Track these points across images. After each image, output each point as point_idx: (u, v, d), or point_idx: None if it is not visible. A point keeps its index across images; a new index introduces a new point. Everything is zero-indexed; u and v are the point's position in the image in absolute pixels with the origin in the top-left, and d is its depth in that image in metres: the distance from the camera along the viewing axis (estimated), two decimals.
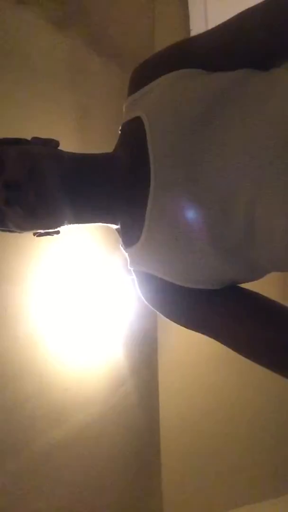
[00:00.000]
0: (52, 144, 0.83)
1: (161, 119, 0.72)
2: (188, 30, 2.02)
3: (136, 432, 1.83)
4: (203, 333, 0.79)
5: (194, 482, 1.97)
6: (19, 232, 0.81)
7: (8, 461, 1.36)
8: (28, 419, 1.41)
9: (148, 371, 1.94)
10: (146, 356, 1.95)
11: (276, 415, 2.09)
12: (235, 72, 0.71)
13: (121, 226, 0.82)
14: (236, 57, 0.72)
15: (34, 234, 0.85)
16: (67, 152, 0.81)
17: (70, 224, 0.80)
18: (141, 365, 1.89)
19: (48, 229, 0.80)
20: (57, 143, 0.84)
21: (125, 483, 1.76)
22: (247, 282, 0.77)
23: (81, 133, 1.69)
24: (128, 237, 0.79)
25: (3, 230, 0.81)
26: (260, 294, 0.78)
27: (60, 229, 0.81)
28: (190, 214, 0.69)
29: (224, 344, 0.77)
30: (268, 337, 0.73)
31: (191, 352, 1.88)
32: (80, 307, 1.63)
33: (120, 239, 0.83)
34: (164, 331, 2.01)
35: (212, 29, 0.76)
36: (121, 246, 0.82)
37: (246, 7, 0.73)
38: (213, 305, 0.76)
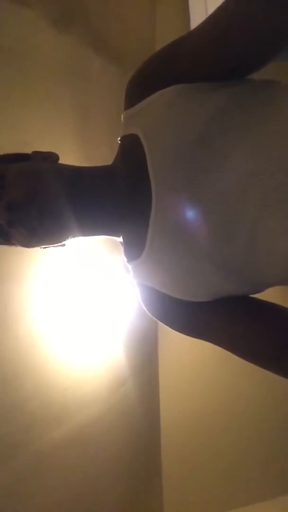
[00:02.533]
0: (52, 158, 0.83)
1: (160, 141, 0.71)
2: (189, 30, 2.02)
3: (137, 432, 1.83)
4: (205, 340, 0.80)
5: (194, 482, 1.97)
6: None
7: (8, 461, 1.35)
8: (28, 419, 1.41)
9: (148, 371, 1.95)
10: (146, 356, 1.96)
11: (276, 415, 2.09)
12: (234, 89, 0.70)
13: (123, 240, 0.82)
14: (222, 63, 0.70)
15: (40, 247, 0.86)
16: (67, 166, 0.81)
17: (74, 237, 0.81)
18: (141, 365, 1.89)
19: (53, 244, 0.81)
20: (56, 157, 0.84)
21: (125, 482, 1.76)
22: (247, 295, 0.79)
23: (81, 133, 1.69)
24: (130, 252, 0.80)
25: (9, 245, 0.81)
26: (255, 298, 0.79)
27: (65, 242, 0.82)
28: (191, 234, 0.70)
29: (226, 349, 0.79)
30: (263, 339, 0.74)
31: (191, 352, 1.89)
32: (81, 307, 1.63)
33: (122, 252, 0.84)
34: (164, 331, 2.01)
35: (194, 32, 0.74)
36: (124, 258, 0.83)
37: None
38: (210, 312, 0.77)
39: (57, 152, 0.86)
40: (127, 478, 1.77)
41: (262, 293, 0.79)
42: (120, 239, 0.83)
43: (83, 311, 1.64)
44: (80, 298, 1.64)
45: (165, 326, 0.83)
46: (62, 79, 1.69)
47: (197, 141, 0.67)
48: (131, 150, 0.76)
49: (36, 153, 0.84)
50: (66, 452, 1.51)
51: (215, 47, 0.69)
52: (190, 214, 0.69)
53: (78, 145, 1.64)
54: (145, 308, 0.85)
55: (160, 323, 0.85)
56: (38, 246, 0.80)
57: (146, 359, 1.95)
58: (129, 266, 0.82)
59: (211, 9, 1.96)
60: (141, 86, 0.76)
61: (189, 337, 0.83)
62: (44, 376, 1.48)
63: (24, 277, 1.47)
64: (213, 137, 0.67)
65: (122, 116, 0.81)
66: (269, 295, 0.79)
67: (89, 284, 1.67)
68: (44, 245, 0.80)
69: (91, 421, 1.60)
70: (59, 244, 0.82)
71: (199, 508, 1.95)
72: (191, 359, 1.97)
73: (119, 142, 0.81)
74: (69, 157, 0.92)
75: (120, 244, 0.85)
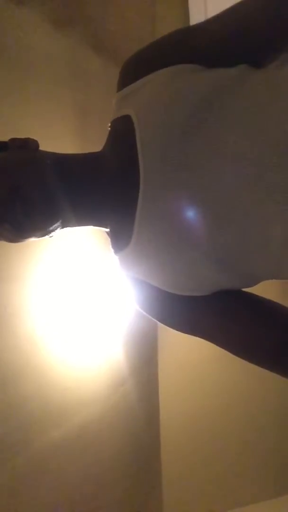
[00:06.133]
0: (31, 146, 0.77)
1: (151, 120, 0.68)
2: None
3: (136, 432, 1.83)
4: (196, 335, 0.78)
5: (194, 482, 1.97)
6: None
7: (8, 461, 1.36)
8: (28, 419, 1.41)
9: (148, 371, 1.94)
10: (146, 356, 1.95)
11: (276, 415, 2.09)
12: (232, 70, 0.68)
13: (110, 230, 0.79)
14: (237, 50, 0.69)
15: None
16: (49, 154, 0.76)
17: (61, 229, 0.77)
18: (141, 365, 1.89)
19: (40, 237, 0.77)
20: (36, 145, 0.78)
21: (125, 482, 1.76)
22: (239, 289, 0.76)
23: (81, 133, 1.69)
24: (118, 242, 0.77)
25: None
26: (251, 293, 0.77)
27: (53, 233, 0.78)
28: (181, 222, 0.66)
29: (219, 346, 0.76)
30: (260, 336, 0.72)
31: (191, 351, 1.88)
32: (80, 307, 1.63)
33: (110, 242, 0.81)
34: (164, 331, 2.01)
35: (212, 19, 0.73)
36: (111, 249, 0.80)
37: None
38: (204, 308, 0.75)
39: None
40: (126, 478, 1.77)
41: (262, 292, 0.78)
42: (107, 229, 0.80)
43: (83, 311, 1.64)
44: (80, 298, 1.64)
45: (165, 326, 0.82)
46: (62, 79, 1.68)
47: (189, 120, 0.64)
48: (123, 132, 0.72)
49: (13, 140, 0.78)
50: (66, 452, 1.51)
51: (238, 40, 0.68)
52: (180, 200, 0.66)
53: (78, 145, 1.64)
54: (135, 303, 0.81)
55: (160, 323, 0.83)
56: (25, 240, 0.76)
57: (146, 359, 1.94)
58: (116, 258, 0.78)
59: (210, 9, 1.97)
60: (136, 69, 0.74)
61: (189, 337, 0.81)
62: (44, 376, 1.48)
63: (24, 276, 1.47)
64: (205, 118, 0.64)
65: (114, 99, 0.77)
66: (269, 294, 0.78)
67: (89, 283, 1.67)
68: (31, 238, 0.76)
69: (91, 421, 1.60)
70: (47, 236, 0.78)
71: (199, 508, 1.95)
72: (191, 359, 1.97)
73: (109, 128, 0.78)
74: None
75: (108, 236, 0.81)
